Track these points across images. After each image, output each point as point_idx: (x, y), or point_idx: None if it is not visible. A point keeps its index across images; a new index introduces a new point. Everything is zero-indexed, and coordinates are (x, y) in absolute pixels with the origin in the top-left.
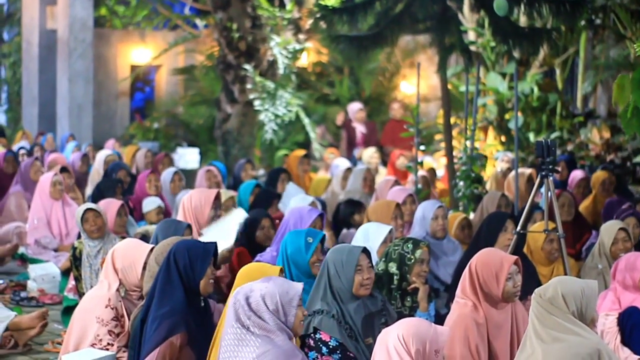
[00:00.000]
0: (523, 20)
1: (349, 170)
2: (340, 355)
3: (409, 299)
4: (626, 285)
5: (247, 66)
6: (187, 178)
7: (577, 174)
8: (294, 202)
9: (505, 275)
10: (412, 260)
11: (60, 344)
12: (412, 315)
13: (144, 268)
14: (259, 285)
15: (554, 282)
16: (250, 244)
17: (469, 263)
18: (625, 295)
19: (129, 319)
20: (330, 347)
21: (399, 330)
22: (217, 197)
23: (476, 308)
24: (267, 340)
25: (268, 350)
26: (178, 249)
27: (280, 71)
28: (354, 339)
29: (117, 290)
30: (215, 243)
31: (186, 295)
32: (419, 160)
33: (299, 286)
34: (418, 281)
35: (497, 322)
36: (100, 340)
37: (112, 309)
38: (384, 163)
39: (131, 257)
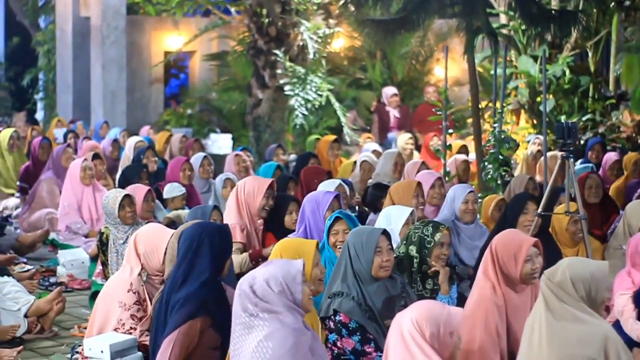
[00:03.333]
0: (554, 4)
1: (374, 152)
2: (360, 337)
3: (430, 282)
4: (636, 264)
5: (277, 51)
6: (220, 164)
7: (610, 156)
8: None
9: (524, 257)
10: (432, 243)
11: (86, 328)
12: (434, 298)
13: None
14: (260, 271)
15: (563, 265)
16: (277, 228)
17: (490, 244)
18: (637, 275)
19: (151, 303)
20: (350, 329)
21: (412, 315)
22: (271, 186)
23: (495, 290)
24: (276, 321)
25: (277, 329)
26: (209, 231)
27: (310, 56)
28: (374, 321)
29: (139, 274)
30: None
31: (211, 277)
32: (448, 144)
33: (299, 263)
34: (438, 264)
35: (517, 304)
36: (123, 324)
37: (134, 293)
38: (418, 148)
39: (153, 242)
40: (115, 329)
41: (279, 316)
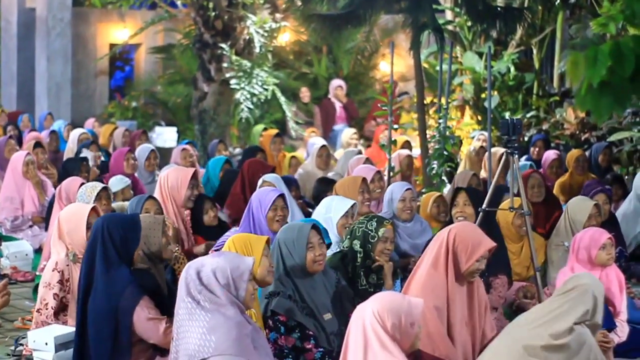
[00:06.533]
0: (500, 1)
1: (324, 147)
2: (299, 334)
3: (373, 277)
4: (580, 259)
5: (223, 45)
6: (165, 157)
7: (549, 155)
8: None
9: (478, 256)
10: (376, 238)
11: (30, 320)
12: (376, 293)
13: (88, 228)
14: (210, 260)
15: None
16: (200, 228)
17: (447, 230)
18: (580, 270)
19: (77, 284)
20: (289, 326)
21: (374, 306)
22: (194, 176)
23: (443, 276)
24: (218, 313)
25: (219, 323)
26: (110, 225)
27: (257, 50)
28: (312, 317)
29: (66, 255)
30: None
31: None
32: (393, 139)
33: (249, 260)
34: (381, 259)
35: (455, 297)
36: (46, 304)
37: (59, 272)
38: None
39: (74, 220)
40: (38, 310)
41: (221, 308)
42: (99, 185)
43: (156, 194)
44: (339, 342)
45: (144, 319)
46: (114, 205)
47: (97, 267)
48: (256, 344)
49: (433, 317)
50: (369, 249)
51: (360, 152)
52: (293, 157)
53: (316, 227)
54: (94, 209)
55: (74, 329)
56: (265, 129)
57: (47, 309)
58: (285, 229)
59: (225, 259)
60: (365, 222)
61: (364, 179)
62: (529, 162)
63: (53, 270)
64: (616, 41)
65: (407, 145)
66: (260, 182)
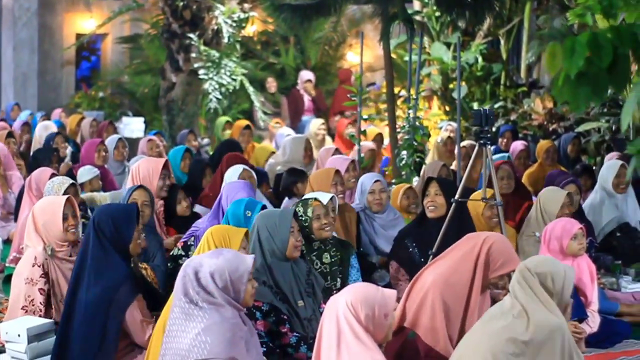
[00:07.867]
0: None
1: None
2: (274, 318)
3: (327, 256)
4: (551, 249)
5: (191, 35)
6: (133, 147)
7: (517, 145)
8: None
9: (506, 271)
10: (308, 220)
11: (2, 312)
12: (335, 271)
13: (64, 219)
14: (208, 260)
15: (541, 259)
16: (171, 218)
17: (484, 236)
18: None
19: (57, 278)
20: (264, 311)
21: (347, 297)
22: (166, 166)
23: (469, 277)
24: (215, 313)
25: (215, 322)
26: (101, 218)
27: (225, 40)
28: (286, 302)
29: (44, 249)
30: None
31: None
32: (362, 129)
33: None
34: (324, 234)
35: (475, 301)
36: (32, 300)
37: (39, 266)
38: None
39: (49, 212)
40: (23, 307)
41: (219, 308)
42: (66, 182)
43: (128, 184)
44: (313, 327)
45: (135, 318)
46: (83, 196)
47: (91, 259)
48: (249, 346)
49: (440, 312)
50: (307, 232)
51: (307, 140)
52: (272, 152)
53: (296, 215)
54: (69, 199)
55: (47, 320)
56: (228, 122)
57: (33, 305)
58: (266, 214)
59: (224, 259)
60: None
61: (337, 171)
62: (506, 154)
63: (33, 266)
64: (594, 32)
65: (379, 137)
66: (240, 170)
